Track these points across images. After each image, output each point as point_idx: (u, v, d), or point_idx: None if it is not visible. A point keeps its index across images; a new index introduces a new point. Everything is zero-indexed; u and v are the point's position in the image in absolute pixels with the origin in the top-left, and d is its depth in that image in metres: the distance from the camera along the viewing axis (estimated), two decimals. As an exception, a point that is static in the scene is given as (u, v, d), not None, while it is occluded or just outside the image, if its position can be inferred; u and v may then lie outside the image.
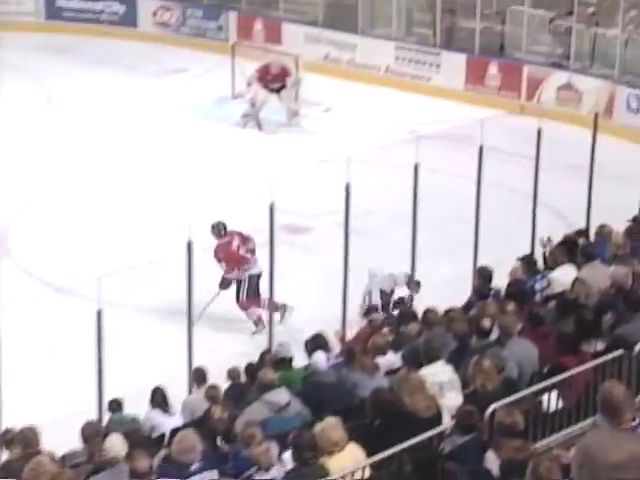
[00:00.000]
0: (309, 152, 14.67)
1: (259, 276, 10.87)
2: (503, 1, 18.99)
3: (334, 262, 9.81)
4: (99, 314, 7.64)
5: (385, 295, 10.63)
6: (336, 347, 8.72)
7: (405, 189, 10.15)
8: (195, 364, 8.56)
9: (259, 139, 16.78)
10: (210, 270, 10.65)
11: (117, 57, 20.45)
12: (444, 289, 11.11)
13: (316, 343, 8.17)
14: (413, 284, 10.37)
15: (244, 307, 11.09)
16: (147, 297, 11.36)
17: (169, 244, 9.76)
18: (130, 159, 15.68)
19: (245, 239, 11.14)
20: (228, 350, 10.08)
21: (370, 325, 9.15)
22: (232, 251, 11.05)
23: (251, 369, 8.28)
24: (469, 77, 18.82)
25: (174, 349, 9.00)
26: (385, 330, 8.85)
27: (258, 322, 10.89)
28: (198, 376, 8.39)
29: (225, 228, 11.19)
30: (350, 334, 9.34)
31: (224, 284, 11.10)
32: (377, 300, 10.65)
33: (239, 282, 11.07)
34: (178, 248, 8.35)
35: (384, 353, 8.10)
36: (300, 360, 8.32)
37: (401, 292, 10.70)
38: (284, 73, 17.05)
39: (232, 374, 8.38)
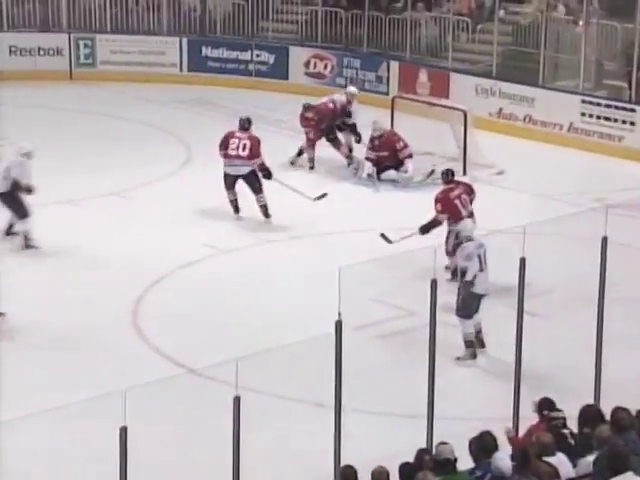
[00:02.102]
0: (480, 222, 14.55)
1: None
2: None
3: (504, 348, 9.64)
4: (237, 400, 7.68)
5: None
6: (506, 448, 8.52)
7: (591, 266, 9.94)
8: (343, 461, 8.48)
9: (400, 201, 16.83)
10: (361, 353, 10.62)
11: (265, 111, 20.89)
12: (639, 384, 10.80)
13: (483, 444, 7.99)
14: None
15: (449, 254, 13.36)
16: (289, 383, 11.41)
17: (314, 323, 9.79)
18: (272, 226, 15.89)
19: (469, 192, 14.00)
20: (382, 444, 9.99)
21: (546, 424, 8.88)
22: (450, 199, 13.79)
23: (407, 470, 8.15)
24: (669, 137, 18.46)
25: (319, 443, 8.95)
26: (565, 432, 8.62)
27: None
28: (346, 477, 8.29)
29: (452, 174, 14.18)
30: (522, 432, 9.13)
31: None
32: None
33: (449, 232, 13.59)
34: (325, 328, 8.34)
35: (552, 454, 7.86)
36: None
37: None
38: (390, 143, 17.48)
39: (378, 477, 8.22)
